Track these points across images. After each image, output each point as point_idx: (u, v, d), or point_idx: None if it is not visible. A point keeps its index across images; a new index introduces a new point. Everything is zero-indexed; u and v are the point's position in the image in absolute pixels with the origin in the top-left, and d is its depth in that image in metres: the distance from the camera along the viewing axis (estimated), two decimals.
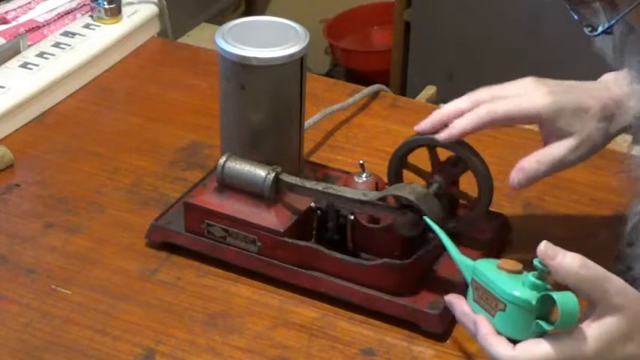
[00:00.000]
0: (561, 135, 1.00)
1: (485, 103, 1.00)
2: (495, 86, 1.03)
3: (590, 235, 1.11)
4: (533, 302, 0.84)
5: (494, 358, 0.85)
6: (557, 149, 1.00)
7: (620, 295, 0.83)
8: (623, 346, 0.83)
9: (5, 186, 1.18)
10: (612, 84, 1.02)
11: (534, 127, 1.35)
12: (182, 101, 1.34)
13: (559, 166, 1.00)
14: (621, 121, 1.01)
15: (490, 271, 0.88)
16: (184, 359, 0.97)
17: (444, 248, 0.94)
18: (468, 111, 1.00)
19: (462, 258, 0.92)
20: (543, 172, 1.00)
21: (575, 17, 0.87)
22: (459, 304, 0.90)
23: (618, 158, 1.27)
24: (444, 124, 1.01)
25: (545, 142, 1.02)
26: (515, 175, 1.00)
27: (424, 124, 1.02)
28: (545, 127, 1.01)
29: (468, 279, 0.90)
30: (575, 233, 1.11)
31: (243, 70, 1.03)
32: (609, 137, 1.02)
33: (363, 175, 1.03)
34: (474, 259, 0.91)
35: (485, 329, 0.86)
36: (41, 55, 1.35)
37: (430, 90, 1.72)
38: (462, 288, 1.01)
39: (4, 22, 1.40)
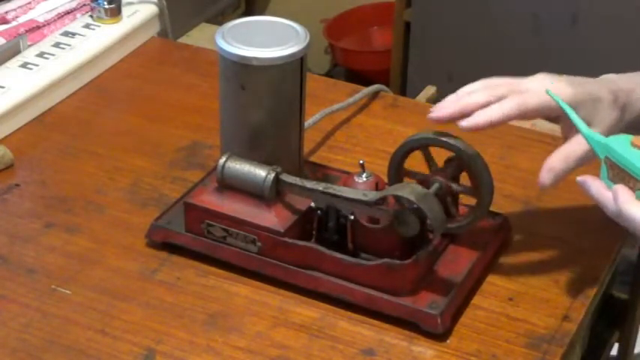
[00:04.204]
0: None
1: (512, 96, 1.00)
2: (509, 79, 1.03)
3: (590, 235, 1.11)
4: None
5: (636, 222, 0.88)
6: (582, 144, 0.99)
7: None
8: None
9: (5, 186, 1.18)
10: (617, 78, 1.04)
11: (533, 127, 1.35)
12: (182, 101, 1.34)
13: (585, 160, 1.00)
14: (632, 111, 1.02)
15: (625, 150, 0.89)
16: (184, 359, 0.97)
17: (575, 125, 0.96)
18: (486, 103, 1.00)
19: (594, 135, 0.94)
20: (572, 168, 1.00)
21: None
22: (594, 182, 0.93)
23: None
24: (463, 115, 1.00)
25: (566, 135, 1.02)
26: (547, 176, 0.99)
27: (441, 113, 1.00)
28: (567, 119, 1.01)
29: (601, 157, 0.92)
30: (574, 233, 1.11)
31: (243, 70, 1.03)
32: (623, 127, 1.03)
33: (363, 175, 1.03)
34: (606, 136, 0.93)
35: (625, 196, 0.89)
36: (41, 55, 1.35)
37: (430, 90, 1.72)
38: (462, 288, 1.01)
39: (4, 22, 1.40)
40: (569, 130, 1.01)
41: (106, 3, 1.42)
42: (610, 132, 1.01)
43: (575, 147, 1.00)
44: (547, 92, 0.98)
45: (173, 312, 1.02)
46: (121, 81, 1.39)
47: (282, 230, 1.03)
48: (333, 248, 1.02)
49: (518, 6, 2.19)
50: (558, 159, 0.99)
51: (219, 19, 2.55)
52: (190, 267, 1.07)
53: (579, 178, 0.94)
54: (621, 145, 0.89)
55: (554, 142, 1.26)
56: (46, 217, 1.13)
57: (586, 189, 0.94)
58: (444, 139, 1.01)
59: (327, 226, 1.04)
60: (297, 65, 1.04)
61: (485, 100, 1.00)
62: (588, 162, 1.00)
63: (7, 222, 1.13)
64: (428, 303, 0.99)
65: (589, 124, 0.99)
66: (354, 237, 1.03)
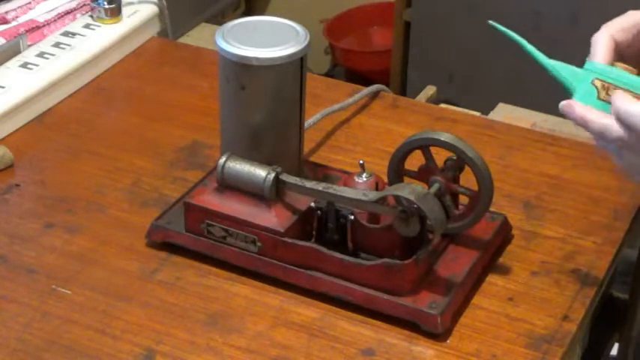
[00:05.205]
0: None
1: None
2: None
3: (590, 235, 1.11)
4: None
5: (637, 117, 0.87)
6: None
7: None
8: None
9: (5, 186, 1.18)
10: None
11: (534, 128, 1.35)
12: (182, 101, 1.34)
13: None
14: None
15: (616, 70, 0.91)
16: (184, 359, 0.97)
17: (537, 61, 0.95)
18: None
19: (565, 65, 0.94)
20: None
21: None
22: (579, 105, 0.91)
23: None
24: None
25: None
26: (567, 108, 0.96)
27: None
28: None
29: (582, 84, 0.92)
30: (574, 233, 1.11)
31: (243, 70, 1.03)
32: None
33: (363, 175, 1.03)
34: (579, 66, 0.93)
35: (623, 97, 0.89)
36: (41, 55, 1.35)
37: (430, 90, 1.72)
38: (462, 288, 1.01)
39: (4, 22, 1.40)
40: None
41: (106, 3, 1.42)
42: None
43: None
44: (490, 23, 0.99)
45: (173, 312, 1.02)
46: (121, 81, 1.39)
47: (282, 230, 1.03)
48: (333, 248, 1.02)
49: (518, 6, 2.19)
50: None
51: (219, 19, 2.54)
52: (190, 267, 1.07)
53: (563, 102, 0.92)
54: (607, 68, 0.90)
55: (555, 142, 1.26)
56: (46, 217, 1.13)
57: (572, 110, 0.92)
58: (444, 139, 1.01)
59: (327, 226, 1.04)
60: (297, 65, 1.04)
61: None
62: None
63: (7, 222, 1.13)
64: (428, 303, 0.99)
65: None
66: (354, 237, 1.03)
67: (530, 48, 0.96)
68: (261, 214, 1.03)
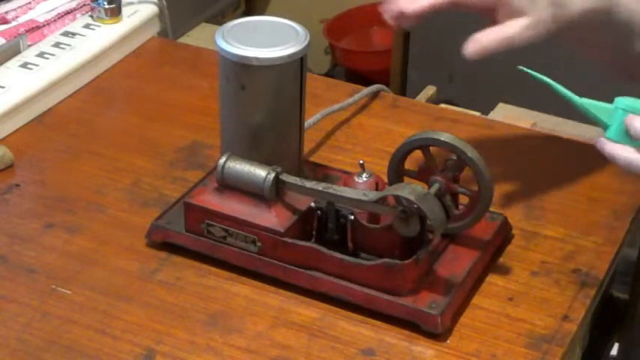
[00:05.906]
0: (516, 16, 1.04)
1: None
2: None
3: (590, 235, 1.11)
4: None
5: None
6: (512, 27, 1.04)
7: None
8: None
9: (5, 186, 1.18)
10: None
11: (534, 128, 1.35)
12: (182, 101, 1.34)
13: (510, 42, 1.05)
14: (570, 11, 1.04)
15: None
16: (184, 359, 0.97)
17: (569, 101, 0.97)
18: None
19: (598, 103, 0.96)
20: (495, 47, 1.05)
21: None
22: (608, 144, 0.95)
23: None
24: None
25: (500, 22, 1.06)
26: (472, 46, 1.06)
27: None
28: (503, 7, 1.05)
29: (614, 121, 0.94)
30: (574, 233, 1.11)
31: (243, 70, 1.03)
32: (561, 24, 1.05)
33: (363, 175, 1.03)
34: (609, 102, 0.95)
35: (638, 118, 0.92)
36: (41, 55, 1.35)
37: (430, 90, 1.73)
38: (462, 288, 1.01)
39: (4, 22, 1.40)
40: (505, 17, 1.05)
41: (106, 3, 1.42)
42: (544, 24, 1.04)
43: (505, 28, 1.04)
44: (519, 68, 1.00)
45: (173, 312, 1.02)
46: (121, 81, 1.39)
47: (282, 230, 1.03)
48: (333, 248, 1.02)
49: None
50: (486, 34, 1.04)
51: (219, 19, 2.54)
52: (190, 267, 1.07)
53: (596, 140, 0.96)
54: (635, 104, 0.92)
55: (555, 142, 1.26)
56: (46, 217, 1.13)
57: (601, 149, 0.96)
58: (444, 139, 1.01)
59: (327, 226, 1.04)
60: (297, 65, 1.04)
61: None
62: (514, 45, 1.04)
63: (7, 222, 1.13)
64: (428, 303, 0.99)
65: (522, 13, 1.04)
66: (354, 237, 1.03)
67: (561, 88, 0.98)
68: (261, 214, 1.03)
